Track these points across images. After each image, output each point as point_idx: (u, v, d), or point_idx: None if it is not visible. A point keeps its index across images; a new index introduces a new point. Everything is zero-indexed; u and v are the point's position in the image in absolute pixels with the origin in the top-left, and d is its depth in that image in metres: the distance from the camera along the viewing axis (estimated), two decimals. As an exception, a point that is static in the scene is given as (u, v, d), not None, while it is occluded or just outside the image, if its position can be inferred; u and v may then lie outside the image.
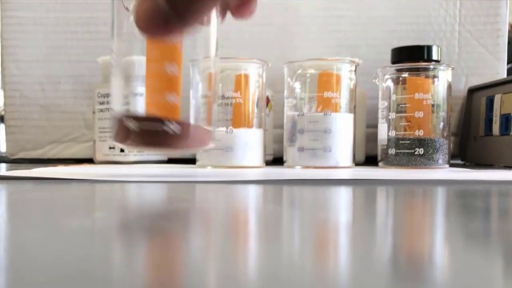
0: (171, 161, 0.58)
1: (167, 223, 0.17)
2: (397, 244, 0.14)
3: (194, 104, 0.48)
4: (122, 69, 0.33)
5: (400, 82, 0.47)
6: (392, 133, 0.47)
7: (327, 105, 0.46)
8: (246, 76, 0.47)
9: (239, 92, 0.46)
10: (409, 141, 0.46)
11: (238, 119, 0.46)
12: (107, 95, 0.50)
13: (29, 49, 0.61)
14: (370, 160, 0.55)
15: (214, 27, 0.32)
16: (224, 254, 0.13)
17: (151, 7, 0.19)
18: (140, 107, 0.34)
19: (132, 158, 0.50)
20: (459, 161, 0.59)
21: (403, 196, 0.27)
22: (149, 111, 0.32)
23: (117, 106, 0.33)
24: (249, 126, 0.46)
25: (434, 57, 0.50)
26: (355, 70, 0.48)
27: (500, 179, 0.34)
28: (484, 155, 0.54)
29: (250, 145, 0.46)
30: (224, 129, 0.46)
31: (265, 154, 0.48)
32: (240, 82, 0.46)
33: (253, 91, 0.47)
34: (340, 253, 0.13)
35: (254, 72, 0.47)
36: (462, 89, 0.60)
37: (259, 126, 0.47)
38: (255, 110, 0.47)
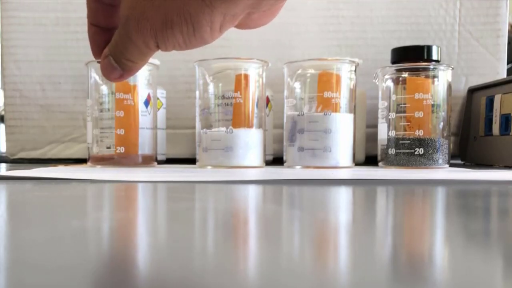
0: (170, 161, 0.58)
1: (167, 223, 0.17)
2: (397, 244, 0.14)
3: (200, 104, 0.48)
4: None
5: (400, 82, 0.47)
6: (392, 133, 0.47)
7: (327, 105, 0.46)
8: (246, 76, 0.47)
9: (239, 92, 0.46)
10: (409, 141, 0.46)
11: (238, 119, 0.46)
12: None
13: (29, 49, 0.61)
14: (370, 160, 0.55)
15: None
16: (224, 253, 0.13)
17: (107, 65, 0.29)
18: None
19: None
20: (459, 161, 0.59)
21: (403, 196, 0.27)
22: None
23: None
24: (249, 126, 0.46)
25: (434, 57, 0.50)
26: (355, 70, 0.48)
27: (500, 179, 0.34)
28: (484, 155, 0.54)
29: (250, 145, 0.46)
30: (224, 129, 0.46)
31: (265, 154, 0.48)
32: (240, 82, 0.46)
33: (253, 91, 0.47)
34: (340, 253, 0.13)
35: (254, 72, 0.47)
36: (462, 89, 0.60)
37: (259, 126, 0.47)
38: (255, 110, 0.47)
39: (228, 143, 0.45)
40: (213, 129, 0.46)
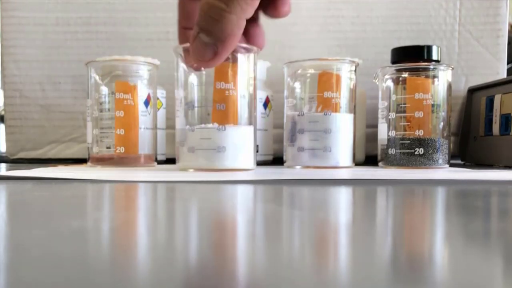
0: (170, 161, 0.58)
1: (167, 223, 0.17)
2: (397, 244, 0.14)
3: (184, 97, 0.42)
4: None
5: (400, 82, 0.47)
6: (392, 133, 0.47)
7: (327, 105, 0.46)
8: (234, 67, 0.40)
9: (231, 84, 0.40)
10: (409, 141, 0.46)
11: (227, 115, 0.40)
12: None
13: (29, 49, 0.61)
14: (370, 160, 0.55)
15: None
16: (224, 254, 0.13)
17: (199, 46, 0.25)
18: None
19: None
20: (459, 161, 0.59)
21: (403, 196, 0.27)
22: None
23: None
24: (241, 123, 0.41)
25: (434, 57, 0.50)
26: (355, 70, 0.48)
27: (500, 179, 0.34)
28: (484, 155, 0.54)
29: (244, 144, 0.40)
30: (215, 126, 0.40)
31: (256, 154, 0.42)
32: (226, 73, 0.40)
33: (244, 83, 0.41)
34: (340, 253, 0.13)
35: (243, 61, 0.41)
36: (462, 89, 0.60)
37: (251, 123, 0.41)
38: (247, 105, 0.41)
39: (220, 142, 0.39)
40: (202, 126, 0.40)
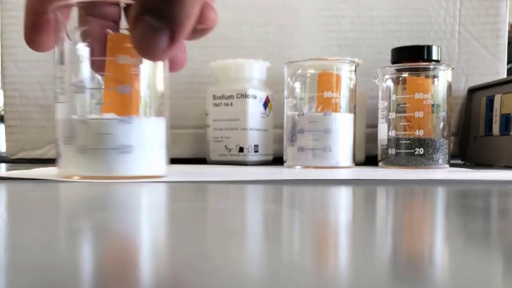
0: (173, 161, 0.58)
1: (167, 223, 0.18)
2: (397, 244, 0.14)
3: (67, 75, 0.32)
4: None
5: (400, 82, 0.47)
6: (392, 133, 0.47)
7: (327, 105, 0.46)
8: (125, 38, 0.28)
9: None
10: (409, 141, 0.46)
11: (129, 102, 0.29)
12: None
13: (29, 49, 0.60)
14: (370, 160, 0.55)
15: None
16: (224, 254, 0.13)
17: (147, 33, 0.19)
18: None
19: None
20: (459, 161, 0.59)
21: (403, 196, 0.27)
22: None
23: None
24: (144, 113, 0.30)
25: (434, 57, 0.50)
26: (355, 70, 0.48)
27: (500, 179, 0.34)
28: (484, 155, 0.54)
29: (158, 142, 0.31)
30: (113, 116, 0.29)
31: (167, 157, 0.32)
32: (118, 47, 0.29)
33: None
34: (340, 253, 0.13)
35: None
36: (462, 89, 0.60)
37: (160, 113, 0.31)
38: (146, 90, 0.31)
39: (125, 140, 0.28)
40: (98, 116, 0.29)
